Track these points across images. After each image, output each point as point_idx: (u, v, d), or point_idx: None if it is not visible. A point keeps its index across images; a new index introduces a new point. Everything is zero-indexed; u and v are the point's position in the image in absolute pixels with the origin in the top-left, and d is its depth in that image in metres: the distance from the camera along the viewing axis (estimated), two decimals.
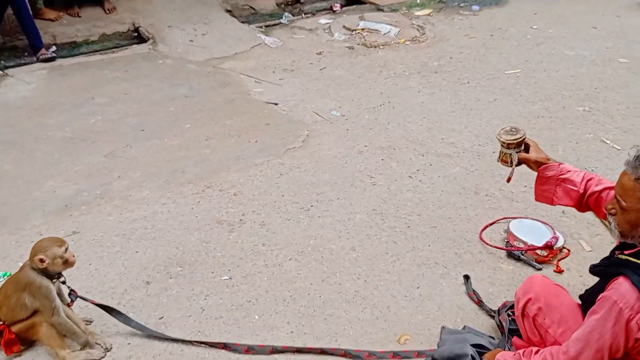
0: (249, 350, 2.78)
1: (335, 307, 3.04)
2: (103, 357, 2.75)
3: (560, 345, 2.25)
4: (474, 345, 2.61)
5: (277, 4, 7.77)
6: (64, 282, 2.72)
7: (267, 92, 5.41)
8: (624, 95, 5.27)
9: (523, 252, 3.40)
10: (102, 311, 2.86)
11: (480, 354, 2.57)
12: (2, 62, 5.99)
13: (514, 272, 3.31)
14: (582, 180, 2.54)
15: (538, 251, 3.38)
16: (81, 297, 2.79)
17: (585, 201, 2.54)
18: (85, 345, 2.75)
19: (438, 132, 4.74)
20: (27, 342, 2.77)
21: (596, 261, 2.35)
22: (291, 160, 4.37)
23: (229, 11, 7.37)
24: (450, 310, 3.02)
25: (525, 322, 2.56)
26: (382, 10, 7.54)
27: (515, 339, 2.65)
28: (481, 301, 3.05)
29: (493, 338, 2.78)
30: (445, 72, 5.83)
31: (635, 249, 2.10)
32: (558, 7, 7.68)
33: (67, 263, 2.66)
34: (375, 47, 6.45)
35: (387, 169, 4.27)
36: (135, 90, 5.40)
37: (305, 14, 7.64)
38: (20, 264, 2.78)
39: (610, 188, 2.42)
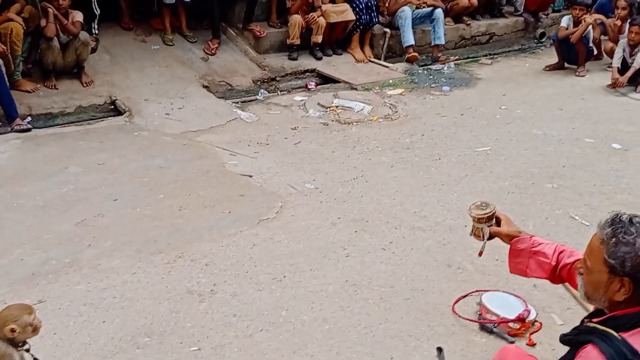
0: None
1: None
2: None
3: None
4: None
5: (253, 81, 7.93)
6: (27, 351, 2.64)
7: (242, 164, 5.45)
8: (591, 173, 5.41)
9: (496, 324, 3.39)
10: None
11: None
12: None
13: (487, 344, 3.30)
14: (554, 252, 2.57)
15: (510, 324, 3.38)
16: None
17: (559, 273, 2.57)
18: None
19: (411, 206, 4.79)
20: None
21: None
22: (265, 231, 4.36)
23: (205, 87, 7.49)
24: None
25: None
26: (355, 89, 7.73)
27: None
28: None
29: None
30: (418, 148, 5.95)
31: (603, 317, 2.11)
32: (526, 89, 7.95)
33: (36, 330, 2.60)
34: (349, 123, 6.58)
35: (360, 241, 4.28)
36: (110, 161, 5.40)
37: (280, 91, 7.80)
38: None
39: None
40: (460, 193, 5.02)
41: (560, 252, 2.57)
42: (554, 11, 11.24)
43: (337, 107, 7.03)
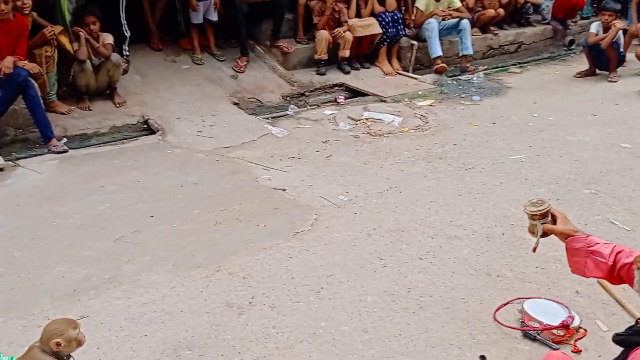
0: None
1: None
2: None
3: None
4: None
5: (282, 97, 7.98)
6: None
7: (275, 178, 5.47)
8: (629, 178, 5.33)
9: (539, 332, 3.34)
10: None
11: None
12: (14, 153, 6.08)
13: (531, 352, 3.24)
14: (612, 252, 2.52)
15: (554, 331, 3.33)
16: None
17: (617, 273, 2.52)
18: None
19: (446, 215, 4.76)
20: None
21: None
22: (300, 243, 4.36)
23: (236, 104, 7.55)
24: None
25: None
26: (385, 101, 7.73)
27: None
28: None
29: None
30: (450, 158, 5.92)
31: None
32: (557, 96, 7.88)
33: (80, 344, 2.63)
34: (380, 135, 6.58)
35: (396, 251, 4.25)
36: (145, 179, 5.46)
37: (310, 105, 7.84)
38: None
39: None
40: (496, 201, 4.98)
41: (619, 252, 2.52)
42: (582, 18, 11.17)
43: (367, 119, 7.04)
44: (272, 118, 7.22)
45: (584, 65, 8.93)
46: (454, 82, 8.51)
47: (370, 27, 8.51)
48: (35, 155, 6.04)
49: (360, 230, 4.54)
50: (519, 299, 3.67)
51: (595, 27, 8.61)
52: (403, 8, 9.33)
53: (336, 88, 8.35)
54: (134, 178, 5.48)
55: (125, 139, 6.60)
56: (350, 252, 4.26)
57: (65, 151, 6.09)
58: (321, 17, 8.38)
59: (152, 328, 3.44)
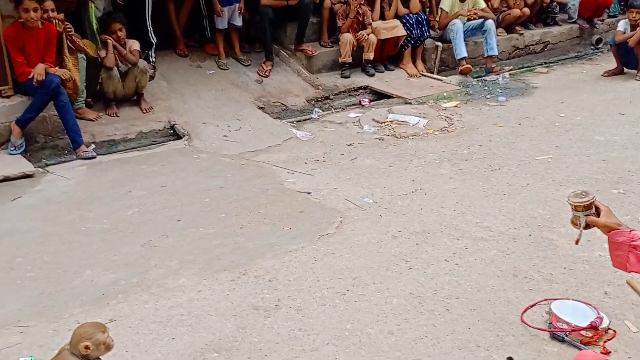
0: None
1: None
2: None
3: None
4: None
5: (307, 100, 8.00)
6: None
7: (300, 182, 5.49)
8: None
9: (567, 333, 3.31)
10: None
11: None
12: (44, 160, 6.18)
13: (560, 354, 3.22)
14: None
15: (583, 332, 3.29)
16: None
17: None
18: None
19: (472, 217, 4.73)
20: None
21: None
22: (325, 246, 4.37)
23: (260, 108, 7.59)
24: None
25: None
26: (409, 103, 7.72)
27: None
28: None
29: None
30: (476, 159, 5.88)
31: None
32: (584, 96, 7.79)
33: (108, 348, 2.67)
34: (404, 137, 6.57)
35: (422, 253, 4.25)
36: (172, 183, 5.52)
37: (334, 109, 7.85)
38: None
39: None
40: (522, 202, 4.94)
41: None
42: (609, 16, 11.02)
43: (392, 121, 7.03)
44: (296, 122, 7.24)
45: (612, 64, 8.82)
46: (479, 83, 8.46)
47: (395, 29, 8.49)
48: (64, 161, 6.13)
49: (385, 233, 4.54)
50: (546, 300, 3.64)
51: (622, 25, 8.51)
52: (427, 9, 9.30)
53: (360, 91, 8.34)
54: (161, 183, 5.54)
55: (152, 144, 6.67)
56: (375, 254, 4.26)
57: (94, 157, 6.17)
58: (345, 20, 8.39)
59: (180, 331, 3.48)
